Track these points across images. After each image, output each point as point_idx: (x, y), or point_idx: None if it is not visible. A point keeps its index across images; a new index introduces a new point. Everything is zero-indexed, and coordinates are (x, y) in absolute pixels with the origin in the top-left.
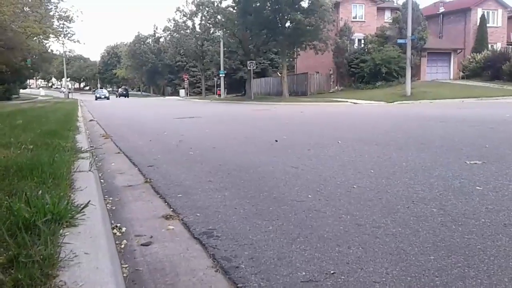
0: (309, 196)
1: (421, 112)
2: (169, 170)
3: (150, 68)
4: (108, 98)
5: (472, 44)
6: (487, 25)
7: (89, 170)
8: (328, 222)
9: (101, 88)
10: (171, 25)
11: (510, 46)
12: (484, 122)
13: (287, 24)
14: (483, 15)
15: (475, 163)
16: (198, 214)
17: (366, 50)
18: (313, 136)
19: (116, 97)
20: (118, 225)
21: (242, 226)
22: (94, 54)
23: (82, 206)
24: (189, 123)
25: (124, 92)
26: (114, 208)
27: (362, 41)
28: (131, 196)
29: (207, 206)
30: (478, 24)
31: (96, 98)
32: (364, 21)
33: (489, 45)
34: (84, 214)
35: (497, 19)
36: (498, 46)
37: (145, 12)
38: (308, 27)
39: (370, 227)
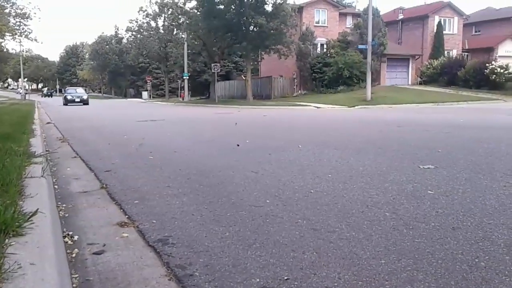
0: (267, 201)
1: (380, 116)
2: (127, 175)
3: (113, 69)
4: (87, 103)
5: (430, 50)
6: (444, 32)
7: (42, 176)
8: (284, 227)
9: (72, 86)
10: (133, 26)
11: (465, 53)
12: (439, 127)
13: (251, 27)
14: (439, 23)
15: (428, 168)
16: (154, 221)
17: (328, 54)
18: (275, 140)
19: (41, 97)
20: (70, 233)
21: (199, 232)
22: (53, 54)
23: (30, 214)
24: (151, 126)
25: (49, 93)
26: (67, 215)
27: (325, 46)
28: (85, 203)
29: (164, 213)
30: (435, 31)
31: (67, 102)
32: (327, 26)
33: (446, 52)
34: (33, 223)
35: (453, 27)
36: (454, 53)
37: (106, 12)
38: (272, 31)
39: (325, 231)
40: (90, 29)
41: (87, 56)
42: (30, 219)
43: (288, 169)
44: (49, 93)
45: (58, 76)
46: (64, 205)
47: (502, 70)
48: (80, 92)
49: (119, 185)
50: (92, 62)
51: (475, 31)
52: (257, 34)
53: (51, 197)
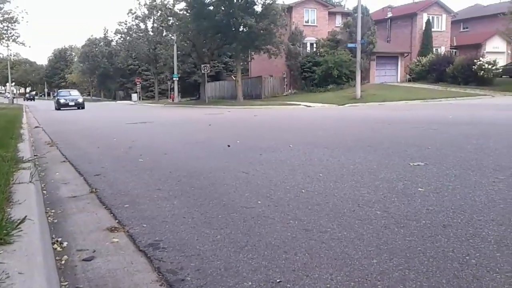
0: (259, 202)
1: (370, 114)
2: (117, 178)
3: (102, 72)
4: (82, 107)
5: (418, 47)
6: (432, 29)
7: (30, 181)
8: (276, 229)
9: (64, 89)
10: (122, 28)
11: (454, 50)
12: (428, 124)
13: (241, 28)
14: (428, 20)
15: (418, 165)
16: (145, 225)
17: (318, 53)
18: (266, 140)
19: (24, 100)
20: (59, 239)
21: (190, 236)
22: (41, 57)
23: (18, 222)
24: (141, 128)
25: (31, 97)
26: (56, 221)
27: (314, 45)
28: (75, 208)
29: (154, 216)
30: (423, 28)
31: (60, 106)
32: (316, 26)
33: (434, 49)
34: (21, 230)
35: (441, 24)
36: (442, 50)
37: (94, 15)
38: (261, 31)
39: (317, 232)
40: (78, 32)
41: (76, 59)
42: (18, 227)
43: (279, 169)
44: (31, 97)
45: (47, 79)
46: (53, 211)
47: (490, 66)
48: (74, 94)
49: (109, 189)
50: (81, 65)
51: (463, 28)
52: (246, 34)
53: (39, 203)
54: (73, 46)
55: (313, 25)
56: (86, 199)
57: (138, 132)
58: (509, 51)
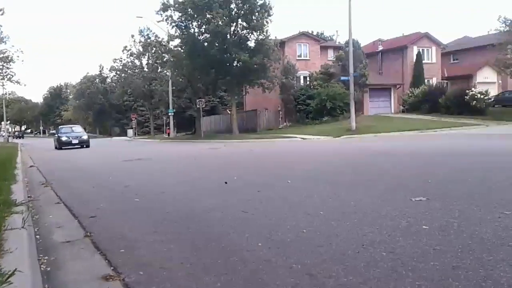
0: (259, 244)
1: (367, 146)
2: (113, 221)
3: (97, 109)
4: (87, 145)
5: (410, 79)
6: (423, 61)
7: (22, 227)
8: (279, 274)
9: (66, 125)
10: (118, 65)
11: (445, 81)
12: (427, 156)
13: (235, 63)
14: (419, 53)
15: (420, 200)
16: (141, 272)
17: (312, 86)
18: (263, 176)
19: (13, 138)
20: None
21: (188, 284)
22: (36, 95)
23: (8, 275)
24: (137, 166)
25: (20, 135)
26: (49, 269)
27: (308, 78)
28: (68, 254)
29: (151, 262)
30: (414, 60)
31: (61, 145)
32: (309, 59)
33: (426, 80)
34: (11, 283)
35: (431, 56)
36: (434, 81)
37: (89, 52)
38: (255, 66)
39: (321, 277)
40: (73, 70)
41: (71, 97)
42: (8, 280)
43: (278, 207)
44: (20, 135)
45: (42, 117)
46: (46, 258)
47: (482, 96)
48: (78, 131)
49: (104, 233)
50: (76, 102)
51: (453, 60)
52: (240, 69)
53: (31, 250)
54: (68, 84)
55: (306, 59)
56: (80, 244)
57: (134, 170)
58: (500, 81)
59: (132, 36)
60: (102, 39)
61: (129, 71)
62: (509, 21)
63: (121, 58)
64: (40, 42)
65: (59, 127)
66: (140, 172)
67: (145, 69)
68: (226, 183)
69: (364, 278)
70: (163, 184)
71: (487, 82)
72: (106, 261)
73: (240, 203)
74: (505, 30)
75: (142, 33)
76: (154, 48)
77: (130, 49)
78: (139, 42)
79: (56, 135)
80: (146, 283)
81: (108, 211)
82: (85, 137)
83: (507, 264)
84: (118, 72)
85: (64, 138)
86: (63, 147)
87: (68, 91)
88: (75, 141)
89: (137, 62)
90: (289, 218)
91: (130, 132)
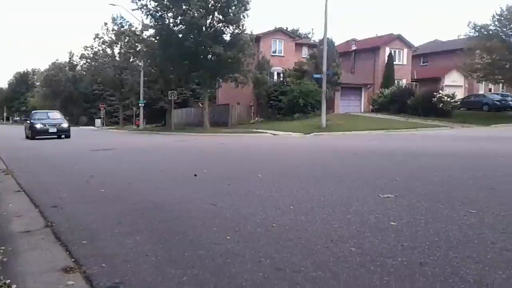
0: (228, 237)
1: (336, 144)
2: (76, 211)
3: (65, 97)
4: (68, 135)
5: (381, 79)
6: (394, 62)
7: None
8: (247, 268)
9: (41, 110)
10: (88, 53)
11: (414, 83)
12: (394, 154)
13: (209, 56)
14: (390, 54)
15: (388, 197)
16: (104, 265)
17: (285, 83)
18: (233, 169)
19: None
20: (8, 281)
21: (154, 277)
22: (1, 80)
23: None
24: (103, 156)
25: None
26: (5, 260)
27: (281, 75)
28: (27, 244)
29: (115, 254)
30: (386, 61)
31: (35, 134)
32: (283, 56)
33: (396, 81)
34: None
35: (403, 58)
36: (404, 82)
37: (59, 38)
38: (229, 60)
39: (290, 271)
40: (42, 54)
41: (38, 83)
42: None
43: (248, 200)
44: None
45: (6, 104)
46: (2, 248)
47: (449, 99)
48: (55, 117)
49: (66, 223)
50: (44, 89)
51: (423, 62)
52: (214, 62)
53: None
54: (36, 70)
55: (280, 56)
56: (40, 234)
57: (100, 160)
58: (466, 85)
59: (105, 24)
60: (73, 25)
61: (100, 60)
62: (478, 27)
63: (92, 46)
64: (6, 24)
65: (33, 112)
66: (107, 162)
67: (117, 58)
68: (195, 175)
69: (332, 273)
70: (131, 175)
71: (454, 85)
72: (67, 252)
73: (208, 195)
74: (474, 35)
75: (115, 21)
76: (128, 37)
77: (102, 37)
78: (112, 30)
79: (29, 122)
80: (108, 276)
81: (72, 201)
82: (65, 125)
83: (473, 261)
84: (88, 60)
85: (38, 126)
86: (37, 137)
87: (35, 77)
88: (52, 130)
89: (109, 50)
90: (259, 212)
91: (98, 121)
